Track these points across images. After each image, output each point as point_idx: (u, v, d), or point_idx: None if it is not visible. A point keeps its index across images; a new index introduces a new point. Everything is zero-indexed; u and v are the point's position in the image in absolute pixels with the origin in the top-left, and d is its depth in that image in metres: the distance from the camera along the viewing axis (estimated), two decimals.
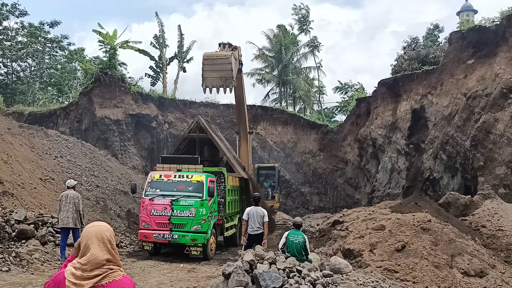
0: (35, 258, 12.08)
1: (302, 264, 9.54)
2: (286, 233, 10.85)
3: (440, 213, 15.66)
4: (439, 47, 30.16)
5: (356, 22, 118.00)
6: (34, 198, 16.31)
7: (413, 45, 32.78)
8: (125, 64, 39.34)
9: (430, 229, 12.69)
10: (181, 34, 40.79)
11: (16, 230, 13.22)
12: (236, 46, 20.29)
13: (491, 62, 21.12)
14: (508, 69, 19.70)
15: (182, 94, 47.07)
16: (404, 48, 33.40)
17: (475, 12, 50.85)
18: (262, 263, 9.19)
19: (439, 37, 34.78)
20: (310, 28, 45.75)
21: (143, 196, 15.43)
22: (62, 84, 43.31)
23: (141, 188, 18.46)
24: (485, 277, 11.67)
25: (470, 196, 18.39)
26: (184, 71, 41.83)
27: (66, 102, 34.19)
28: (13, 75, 41.92)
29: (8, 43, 39.80)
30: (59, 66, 44.58)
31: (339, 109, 48.90)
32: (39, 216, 14.67)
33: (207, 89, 19.47)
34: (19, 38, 40.46)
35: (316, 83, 48.66)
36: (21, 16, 39.64)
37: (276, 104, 44.62)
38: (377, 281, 10.39)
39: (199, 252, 14.62)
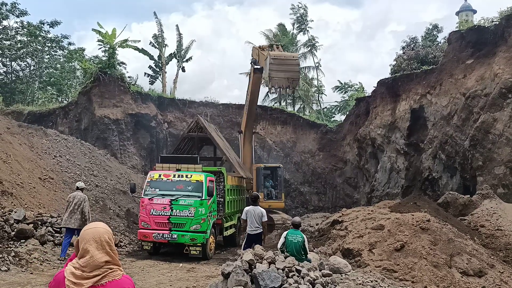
0: (34, 258, 12.09)
1: (301, 264, 9.56)
2: (285, 232, 10.87)
3: (439, 212, 15.68)
4: (438, 47, 30.16)
5: (355, 21, 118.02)
6: (33, 197, 16.31)
7: (412, 45, 32.79)
8: (124, 64, 39.36)
9: (429, 228, 12.71)
10: (180, 34, 40.88)
11: (15, 230, 13.24)
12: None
13: (490, 62, 21.12)
14: (507, 69, 19.71)
15: (181, 94, 47.13)
16: (403, 48, 33.42)
17: (474, 12, 50.87)
18: (261, 263, 9.20)
19: (438, 37, 34.83)
20: (308, 27, 45.86)
21: (142, 196, 15.45)
22: (61, 84, 43.29)
23: (141, 187, 18.49)
24: (484, 276, 11.69)
25: (469, 196, 18.40)
26: (184, 70, 41.90)
27: (66, 102, 34.15)
28: (13, 75, 41.89)
29: (8, 42, 39.78)
30: (58, 66, 44.56)
31: (338, 108, 48.94)
32: (38, 215, 14.69)
33: (273, 88, 19.65)
34: (19, 38, 40.45)
35: (315, 82, 48.68)
36: (21, 16, 39.68)
37: (275, 103, 44.61)
38: (376, 281, 10.40)
39: (198, 252, 14.63)
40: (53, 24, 41.36)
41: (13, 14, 39.08)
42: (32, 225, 13.83)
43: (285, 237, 10.66)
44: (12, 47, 39.58)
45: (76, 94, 31.96)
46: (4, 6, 38.27)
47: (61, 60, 45.40)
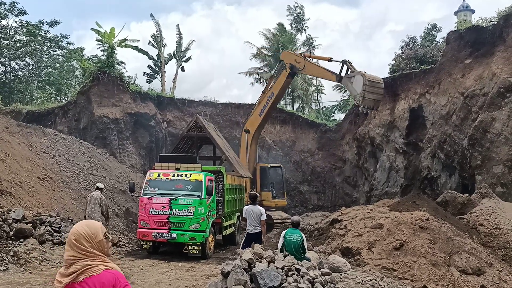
0: (33, 257, 12.10)
1: (301, 263, 9.56)
2: (284, 232, 10.85)
3: (438, 211, 15.71)
4: (437, 47, 30.23)
5: (354, 21, 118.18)
6: (32, 197, 16.29)
7: (411, 45, 32.86)
8: (123, 63, 39.33)
9: (428, 227, 12.74)
10: (179, 33, 40.88)
11: (14, 229, 13.23)
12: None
13: (488, 62, 21.17)
14: (505, 69, 19.75)
15: (180, 93, 46.97)
16: (402, 47, 33.48)
17: (473, 12, 51.04)
18: (260, 262, 9.19)
19: (436, 36, 34.92)
20: (306, 27, 45.96)
21: (141, 195, 15.44)
22: (60, 83, 43.28)
23: (140, 187, 18.48)
24: (482, 275, 11.72)
25: (467, 194, 18.43)
26: (183, 70, 41.88)
27: (64, 101, 34.14)
28: (11, 74, 41.85)
29: (7, 41, 39.75)
30: (57, 65, 44.54)
31: (338, 108, 48.92)
32: (37, 215, 14.67)
33: (362, 107, 20.38)
34: (18, 37, 40.43)
35: (314, 82, 48.66)
36: (20, 15, 39.67)
37: None
38: (376, 279, 10.42)
39: (197, 251, 14.62)
40: (52, 23, 41.35)
41: (12, 14, 39.08)
42: (31, 224, 13.82)
43: (284, 237, 10.65)
44: (11, 46, 39.55)
45: (75, 93, 31.96)
46: (3, 5, 38.26)
47: (60, 59, 45.39)
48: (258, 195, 14.53)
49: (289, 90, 47.27)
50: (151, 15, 43.05)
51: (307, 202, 33.33)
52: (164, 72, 40.72)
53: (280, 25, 45.40)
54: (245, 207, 13.14)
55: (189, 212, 14.64)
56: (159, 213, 14.74)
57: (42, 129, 22.84)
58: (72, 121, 28.97)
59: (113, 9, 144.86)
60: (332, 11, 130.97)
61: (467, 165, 21.15)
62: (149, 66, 40.65)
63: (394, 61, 31.20)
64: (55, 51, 44.41)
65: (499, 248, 14.08)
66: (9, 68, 41.67)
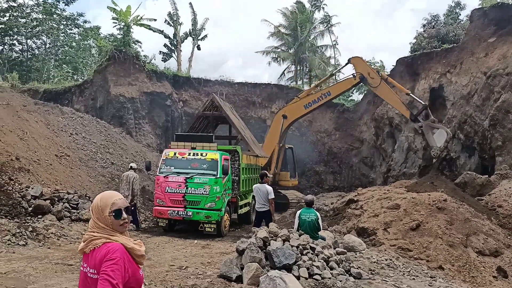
0: (51, 233, 12.23)
1: (316, 242, 9.52)
2: (298, 212, 10.79)
3: (456, 192, 15.49)
4: (460, 25, 29.51)
5: None
6: (50, 174, 16.45)
7: (433, 23, 32.16)
8: (139, 42, 39.30)
9: (446, 208, 12.57)
10: (194, 12, 40.58)
11: (33, 206, 13.40)
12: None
13: None
14: None
15: (196, 73, 46.96)
16: (424, 26, 32.81)
17: None
18: (275, 240, 9.18)
19: (460, 14, 34.08)
20: (324, 4, 45.28)
21: (157, 174, 15.48)
22: (76, 62, 43.46)
23: (156, 165, 18.53)
24: (499, 256, 11.57)
25: (487, 176, 18.14)
26: (199, 48, 41.68)
27: (81, 80, 34.20)
28: (28, 52, 42.13)
29: (23, 20, 39.88)
30: (74, 44, 44.67)
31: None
32: (55, 192, 14.84)
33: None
34: (34, 15, 40.52)
35: (332, 61, 48.13)
36: None
37: (291, 82, 44.29)
38: (391, 259, 10.35)
39: (213, 229, 14.67)
40: (68, 1, 41.43)
41: None
42: (49, 201, 13.99)
43: (299, 217, 10.60)
44: (27, 25, 39.69)
45: (91, 72, 32.00)
46: None
47: (77, 38, 45.49)
48: (267, 173, 14.53)
49: (307, 70, 46.89)
50: None
51: (323, 182, 33.23)
52: (180, 51, 40.56)
53: (299, 3, 44.74)
54: (254, 186, 13.27)
55: (204, 191, 14.65)
56: (175, 191, 14.79)
57: (59, 107, 22.96)
58: (88, 100, 29.06)
59: None
60: None
61: (487, 146, 20.77)
62: (165, 45, 40.51)
63: (415, 40, 30.61)
64: (71, 30, 44.52)
65: None
66: (26, 46, 41.95)
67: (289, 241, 9.14)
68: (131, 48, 31.21)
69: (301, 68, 46.73)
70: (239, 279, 8.23)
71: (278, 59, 46.02)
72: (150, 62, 33.50)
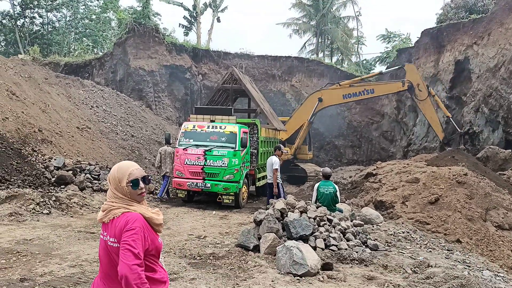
0: (74, 202, 12.49)
1: (333, 214, 9.57)
2: (316, 185, 10.81)
3: (477, 167, 15.29)
4: None
5: None
6: (72, 146, 16.73)
7: None
8: (159, 15, 39.13)
9: (466, 182, 12.44)
10: None
11: (55, 176, 13.72)
12: None
13: None
14: None
15: (216, 45, 46.73)
16: None
17: None
18: (293, 212, 9.25)
19: None
20: None
21: (177, 146, 15.60)
22: (96, 35, 43.57)
23: (175, 138, 18.68)
24: None
25: (510, 150, 17.84)
26: (219, 21, 41.33)
27: (101, 53, 34.35)
28: (49, 26, 42.34)
29: None
30: (93, 17, 44.71)
31: (380, 60, 47.55)
32: (77, 163, 15.14)
33: None
34: None
35: (355, 33, 47.30)
36: None
37: (312, 55, 43.75)
38: (408, 232, 10.34)
39: (231, 201, 14.82)
40: None
41: None
42: (71, 172, 14.30)
43: (317, 189, 10.62)
44: None
45: (111, 45, 32.08)
46: None
47: (96, 10, 45.50)
48: (282, 147, 14.60)
49: (328, 42, 46.21)
50: None
51: (341, 156, 33.11)
52: (200, 23, 40.29)
53: None
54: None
55: (223, 163, 14.74)
56: (194, 163, 14.91)
57: (80, 80, 23.20)
58: (108, 73, 29.21)
59: None
60: None
61: None
62: (184, 17, 40.25)
63: (441, 10, 29.78)
64: (91, 2, 44.51)
65: None
66: (46, 19, 42.16)
67: (306, 213, 9.21)
68: (151, 21, 31.12)
69: (323, 40, 46.06)
70: (256, 249, 8.34)
71: (299, 31, 45.38)
72: (169, 35, 33.38)
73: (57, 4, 40.42)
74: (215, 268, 7.36)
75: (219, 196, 14.92)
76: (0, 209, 10.52)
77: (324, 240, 8.45)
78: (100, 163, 16.33)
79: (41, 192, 12.34)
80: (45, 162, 14.16)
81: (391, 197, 13.06)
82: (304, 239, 8.39)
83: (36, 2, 39.71)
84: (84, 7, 44.01)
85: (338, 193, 10.55)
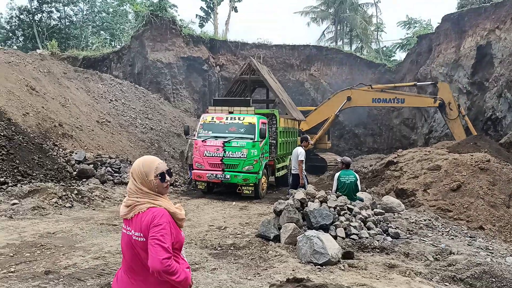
0: (96, 196, 12.68)
1: (354, 203, 9.51)
2: (337, 174, 10.74)
3: (500, 153, 15.04)
4: None
5: None
6: (92, 139, 16.91)
7: None
8: (175, 6, 39.10)
9: (489, 169, 12.24)
10: None
11: (77, 170, 13.91)
12: None
13: None
14: None
15: (233, 35, 46.55)
16: None
17: None
18: (313, 202, 9.22)
19: None
20: None
21: (195, 138, 15.65)
22: (114, 28, 43.80)
23: (194, 130, 18.74)
24: None
25: None
26: (236, 11, 41.15)
27: (119, 46, 34.48)
28: (66, 20, 42.72)
29: None
30: (110, 10, 44.94)
31: (400, 46, 46.93)
32: (98, 156, 15.31)
33: None
34: None
35: (374, 20, 46.68)
36: None
37: (331, 43, 43.35)
38: (430, 220, 10.23)
39: (250, 191, 14.84)
40: None
41: None
42: (92, 165, 14.50)
43: (337, 179, 10.55)
44: None
45: (128, 38, 32.17)
46: None
47: (113, 3, 45.72)
48: (309, 138, 14.47)
49: (347, 30, 45.71)
50: None
51: (362, 144, 32.87)
52: (217, 13, 40.18)
53: None
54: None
55: (242, 154, 14.75)
56: (213, 155, 14.96)
57: (99, 74, 23.37)
58: (126, 66, 29.35)
59: None
60: None
61: None
62: (201, 8, 40.20)
63: None
64: None
65: None
66: (63, 14, 42.55)
67: (326, 203, 9.17)
68: (167, 13, 31.13)
69: (341, 28, 45.59)
70: (276, 239, 8.35)
71: (317, 20, 44.99)
72: (186, 26, 33.37)
73: None
74: (236, 258, 7.39)
75: (239, 187, 14.97)
76: (24, 204, 10.71)
77: (345, 229, 8.42)
78: (120, 156, 16.50)
79: (63, 186, 12.52)
80: (66, 156, 14.35)
81: (412, 185, 12.92)
82: (325, 228, 8.36)
83: None
84: (101, 0, 44.28)
85: (358, 182, 10.47)
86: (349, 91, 23.92)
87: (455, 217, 10.77)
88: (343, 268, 6.76)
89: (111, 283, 3.38)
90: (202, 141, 15.22)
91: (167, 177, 3.05)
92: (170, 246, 2.85)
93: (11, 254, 7.13)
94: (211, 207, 13.06)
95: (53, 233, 8.72)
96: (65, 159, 14.15)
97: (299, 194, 9.38)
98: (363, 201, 10.23)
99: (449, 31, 27.59)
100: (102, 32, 44.17)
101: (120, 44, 38.93)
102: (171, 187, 15.73)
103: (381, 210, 10.10)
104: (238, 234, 9.22)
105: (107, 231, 9.13)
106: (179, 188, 16.75)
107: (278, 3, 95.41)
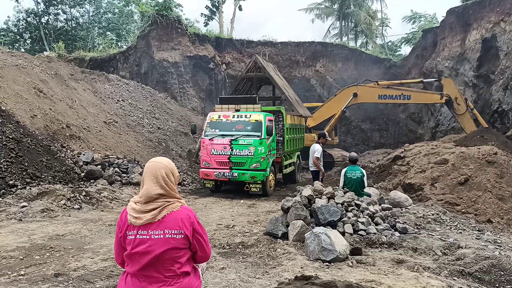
0: (104, 197, 12.74)
1: (361, 199, 9.52)
2: (344, 170, 10.76)
3: (507, 145, 14.99)
4: None
5: None
6: (100, 140, 17.00)
7: None
8: (180, 6, 39.18)
9: (496, 161, 12.20)
10: None
11: (85, 171, 14.01)
12: None
13: None
14: None
15: (238, 34, 46.54)
16: None
17: None
18: (320, 198, 9.23)
19: None
20: None
21: (203, 136, 15.69)
22: (119, 29, 43.95)
23: (201, 129, 18.79)
24: None
25: None
26: (240, 9, 41.24)
27: (125, 47, 34.57)
28: (72, 21, 42.91)
29: None
30: (116, 10, 45.08)
31: (405, 41, 46.72)
32: (105, 157, 15.40)
33: None
34: None
35: (379, 15, 46.51)
36: None
37: (336, 39, 43.27)
38: (438, 214, 10.22)
39: (258, 189, 14.87)
40: None
41: None
42: (100, 166, 14.59)
43: (344, 175, 10.57)
44: None
45: (134, 38, 32.26)
46: None
47: (119, 4, 45.87)
48: (326, 134, 14.43)
49: (352, 25, 45.57)
50: None
51: (369, 140, 32.79)
52: (222, 12, 40.22)
53: None
54: None
55: (249, 152, 14.78)
56: (221, 153, 14.99)
57: (105, 75, 23.47)
58: (133, 66, 29.47)
59: None
60: None
61: None
62: (206, 7, 40.28)
63: None
64: None
65: None
66: (70, 15, 42.73)
67: (334, 199, 9.19)
68: (173, 12, 31.17)
69: (346, 24, 45.48)
70: (284, 236, 8.37)
71: (322, 16, 44.91)
72: (192, 25, 33.40)
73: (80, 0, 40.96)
74: (245, 256, 7.43)
75: (247, 185, 15.00)
76: (32, 206, 10.81)
77: (353, 225, 8.43)
78: (128, 157, 16.59)
79: (72, 187, 12.62)
80: (74, 158, 14.46)
81: (419, 179, 12.91)
82: (332, 225, 8.37)
83: None
84: (106, 1, 44.43)
85: (365, 178, 10.48)
86: (355, 88, 23.83)
87: (463, 210, 10.76)
88: (351, 264, 6.78)
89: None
90: (209, 139, 15.26)
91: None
92: None
93: (21, 257, 7.21)
94: (219, 206, 13.11)
95: (62, 235, 8.80)
96: (73, 161, 14.26)
97: (307, 190, 9.41)
98: (370, 197, 10.24)
99: (454, 25, 27.46)
100: (108, 33, 44.35)
101: (126, 44, 39.10)
102: (179, 186, 15.79)
103: (388, 205, 10.09)
104: (247, 232, 9.25)
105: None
106: (187, 187, 16.81)
107: (283, 0, 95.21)
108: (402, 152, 16.58)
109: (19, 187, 11.63)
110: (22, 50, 39.19)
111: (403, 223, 9.04)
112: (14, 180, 11.68)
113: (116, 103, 21.36)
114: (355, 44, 42.77)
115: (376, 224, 8.71)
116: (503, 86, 22.50)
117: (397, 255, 7.27)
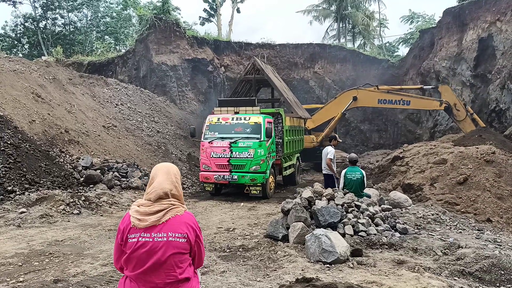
0: (103, 201, 12.70)
1: (361, 200, 9.53)
2: (343, 171, 10.77)
3: (505, 144, 15.02)
4: None
5: None
6: (99, 145, 16.99)
7: None
8: (179, 9, 39.25)
9: (494, 161, 12.24)
10: None
11: (84, 176, 13.96)
12: None
13: None
14: None
15: (237, 36, 46.60)
16: None
17: None
18: (320, 200, 9.24)
19: None
20: None
21: (202, 140, 15.67)
22: (118, 33, 43.98)
23: (200, 132, 18.80)
24: None
25: None
26: (238, 11, 41.30)
27: (123, 50, 34.59)
28: (71, 26, 42.93)
29: None
30: (114, 14, 45.12)
31: (403, 41, 46.78)
32: (105, 162, 15.38)
33: None
34: None
35: (376, 16, 46.62)
36: None
37: (334, 41, 43.36)
38: (437, 214, 10.24)
39: (258, 191, 14.85)
40: None
41: None
42: (99, 171, 14.55)
43: (344, 176, 10.58)
44: None
45: (133, 42, 32.27)
46: None
47: (117, 8, 45.91)
48: (337, 136, 14.38)
49: (350, 27, 45.65)
50: None
51: (368, 141, 32.82)
52: (220, 15, 40.28)
53: None
54: None
55: (249, 155, 14.77)
56: (220, 156, 14.98)
57: (104, 79, 23.47)
58: (132, 70, 29.47)
59: None
60: None
61: None
62: (204, 10, 40.34)
63: None
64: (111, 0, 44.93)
65: None
66: (68, 20, 42.75)
67: (334, 200, 9.19)
68: (171, 15, 31.21)
69: (344, 25, 45.58)
70: (285, 239, 8.37)
71: (319, 18, 45.00)
72: (190, 28, 33.42)
73: (78, 4, 40.91)
74: (245, 259, 7.42)
75: (246, 188, 14.99)
76: (31, 212, 10.76)
77: (353, 226, 8.44)
78: (127, 161, 16.57)
79: (71, 192, 12.56)
80: (73, 163, 14.43)
81: (419, 179, 12.94)
82: (333, 226, 8.38)
83: (57, 3, 40.25)
84: (104, 5, 44.47)
85: (365, 179, 10.49)
86: (355, 91, 23.82)
87: (462, 210, 10.79)
88: (352, 266, 6.78)
89: None
90: (209, 142, 15.25)
91: None
92: None
93: (20, 264, 7.18)
94: (219, 209, 13.10)
95: (61, 240, 8.77)
96: (71, 166, 14.23)
97: (306, 192, 9.41)
98: (370, 197, 10.25)
99: (450, 25, 27.52)
100: (106, 37, 44.38)
101: (124, 48, 39.09)
102: None
103: (388, 206, 10.11)
104: (247, 235, 9.25)
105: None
106: (187, 190, 16.81)
107: (281, 3, 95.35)
108: (401, 152, 16.61)
109: (17, 193, 11.60)
110: (20, 55, 39.25)
111: (403, 224, 9.05)
112: (12, 186, 11.65)
113: (115, 107, 21.35)
114: (353, 46, 42.86)
115: (376, 225, 8.72)
116: (500, 85, 22.54)
117: (397, 256, 7.28)
